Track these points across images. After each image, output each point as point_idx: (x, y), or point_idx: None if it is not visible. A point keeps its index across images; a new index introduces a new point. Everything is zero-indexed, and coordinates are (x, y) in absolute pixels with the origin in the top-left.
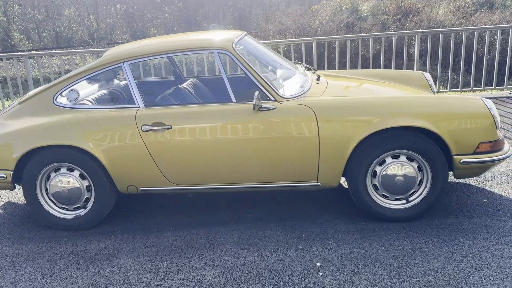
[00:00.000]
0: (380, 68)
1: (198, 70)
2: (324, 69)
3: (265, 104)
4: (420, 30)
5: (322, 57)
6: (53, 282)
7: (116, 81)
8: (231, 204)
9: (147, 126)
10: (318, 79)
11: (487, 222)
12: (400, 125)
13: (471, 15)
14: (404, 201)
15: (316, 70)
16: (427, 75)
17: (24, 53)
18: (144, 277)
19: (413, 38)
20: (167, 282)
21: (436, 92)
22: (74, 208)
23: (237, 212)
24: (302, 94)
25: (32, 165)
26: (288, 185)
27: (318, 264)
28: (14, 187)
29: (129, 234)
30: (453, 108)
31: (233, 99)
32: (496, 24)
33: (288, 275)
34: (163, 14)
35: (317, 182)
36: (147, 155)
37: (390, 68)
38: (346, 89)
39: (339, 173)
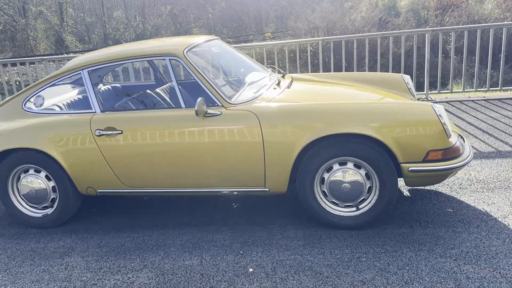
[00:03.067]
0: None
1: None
2: (330, 71)
3: (211, 110)
4: (430, 28)
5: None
6: (4, 277)
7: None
8: (194, 206)
9: (100, 131)
10: (278, 83)
11: (440, 233)
12: (342, 132)
13: None
14: (354, 209)
15: (285, 74)
16: (407, 78)
17: (44, 57)
18: (84, 276)
19: (450, 34)
20: (102, 282)
21: (416, 95)
22: (43, 207)
23: (196, 215)
24: (251, 99)
25: (3, 166)
26: (237, 190)
27: (250, 270)
28: None
29: (88, 234)
30: (398, 114)
31: (183, 105)
32: None
33: (217, 280)
34: (206, 15)
35: (265, 188)
36: (102, 159)
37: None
38: (302, 95)
39: (285, 179)
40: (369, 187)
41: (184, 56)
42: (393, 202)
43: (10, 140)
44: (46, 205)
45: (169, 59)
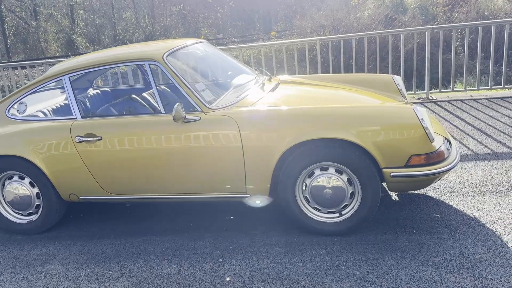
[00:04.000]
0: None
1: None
2: (334, 71)
3: (189, 116)
4: (431, 26)
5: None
6: None
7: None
8: (179, 212)
9: (80, 137)
10: (262, 87)
11: (425, 240)
12: (321, 137)
13: None
14: (337, 215)
15: (272, 77)
16: (397, 78)
17: (44, 60)
18: (62, 284)
19: (462, 31)
20: None
21: (406, 97)
22: (28, 213)
23: (180, 220)
24: (232, 104)
25: None
26: (219, 197)
27: (228, 279)
28: None
29: (72, 240)
30: (379, 118)
31: (162, 110)
32: None
33: None
34: (214, 14)
35: (246, 194)
36: (83, 166)
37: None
38: (285, 98)
39: (267, 185)
40: (352, 192)
41: (164, 60)
42: (376, 207)
43: None
44: (31, 211)
45: (149, 64)
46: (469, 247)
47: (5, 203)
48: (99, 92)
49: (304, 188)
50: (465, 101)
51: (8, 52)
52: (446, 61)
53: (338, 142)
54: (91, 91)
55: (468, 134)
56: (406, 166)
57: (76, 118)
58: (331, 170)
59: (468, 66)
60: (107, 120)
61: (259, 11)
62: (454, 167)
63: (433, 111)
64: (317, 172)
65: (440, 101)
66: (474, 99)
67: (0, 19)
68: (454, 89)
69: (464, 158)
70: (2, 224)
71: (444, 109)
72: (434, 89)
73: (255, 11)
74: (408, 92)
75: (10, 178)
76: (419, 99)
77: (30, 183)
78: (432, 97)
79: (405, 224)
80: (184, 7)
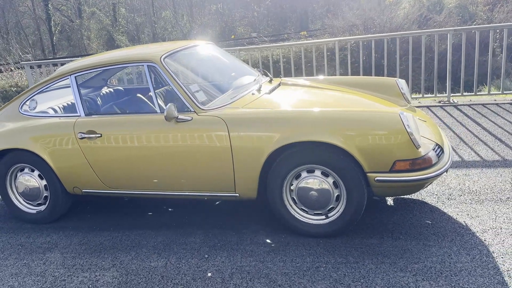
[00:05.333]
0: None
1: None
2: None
3: (182, 116)
4: (453, 28)
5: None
6: None
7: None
8: (177, 208)
9: (82, 134)
10: (259, 89)
11: (409, 246)
12: (307, 140)
13: None
14: (324, 217)
15: (272, 79)
16: (401, 82)
17: (60, 59)
18: (58, 271)
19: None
20: (70, 279)
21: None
22: (37, 204)
23: (176, 216)
24: (224, 105)
25: (1, 165)
26: (210, 195)
27: (209, 274)
28: None
29: (74, 231)
30: (364, 123)
31: (158, 110)
32: None
33: (174, 283)
34: (251, 13)
35: (235, 193)
36: (85, 161)
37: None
38: (279, 101)
39: (254, 185)
40: (338, 195)
41: (161, 62)
42: (361, 211)
43: (7, 141)
44: (40, 202)
45: (147, 65)
46: (452, 255)
47: (18, 193)
48: (108, 91)
49: (291, 189)
50: (486, 106)
51: (54, 49)
52: (470, 63)
53: (323, 145)
54: (90, 91)
55: (481, 140)
56: (391, 171)
57: (80, 116)
58: (317, 172)
59: (500, 69)
60: (107, 118)
61: (297, 10)
62: (441, 174)
63: (451, 115)
64: (304, 174)
65: (461, 105)
66: (497, 104)
67: (47, 17)
68: (477, 93)
69: (470, 165)
70: (15, 213)
71: (463, 113)
72: (457, 93)
73: (293, 9)
74: (429, 95)
75: (22, 170)
76: (439, 102)
77: (39, 175)
78: (454, 101)
79: (393, 229)
80: (221, 6)
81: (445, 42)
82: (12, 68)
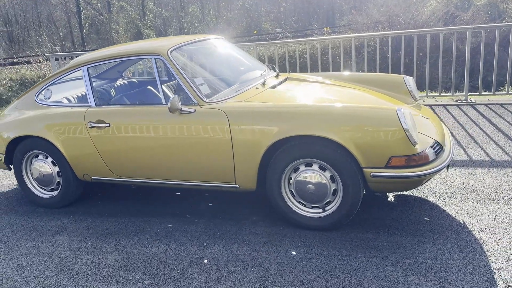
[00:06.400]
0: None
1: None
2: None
3: (185, 108)
4: (472, 26)
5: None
6: (1, 248)
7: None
8: (185, 197)
9: (91, 123)
10: (263, 83)
11: (404, 242)
12: (304, 134)
13: None
14: (321, 210)
15: (279, 74)
16: (408, 79)
17: (79, 52)
18: (64, 253)
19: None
20: (75, 260)
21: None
22: (50, 189)
23: (182, 205)
24: (227, 98)
25: (17, 151)
26: (211, 185)
27: (205, 261)
28: (10, 168)
29: (84, 216)
30: (361, 118)
31: (164, 102)
32: None
33: (171, 268)
34: (277, 8)
35: (235, 184)
36: (94, 149)
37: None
38: (281, 95)
39: (254, 177)
40: (334, 189)
41: (168, 55)
42: (357, 205)
43: (23, 128)
44: (53, 187)
45: (154, 58)
46: (445, 252)
47: (32, 179)
48: (120, 83)
49: (289, 183)
50: (504, 105)
51: (83, 42)
52: (499, 62)
53: (321, 139)
54: (102, 82)
55: (492, 140)
56: (387, 167)
57: (91, 106)
58: (315, 166)
59: None
60: (116, 108)
61: (324, 5)
62: (438, 171)
63: (466, 114)
64: (302, 167)
65: (478, 104)
66: None
67: (78, 11)
68: (496, 93)
69: (477, 164)
70: (30, 197)
71: (479, 112)
72: (480, 92)
73: (320, 5)
74: (447, 94)
75: (36, 156)
76: (457, 101)
77: (52, 162)
78: (471, 100)
79: (390, 225)
80: (249, 1)
81: (473, 40)
82: (41, 60)
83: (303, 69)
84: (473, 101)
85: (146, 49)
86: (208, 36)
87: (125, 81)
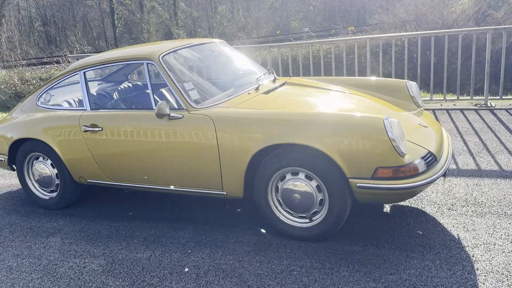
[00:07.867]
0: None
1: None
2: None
3: (173, 113)
4: (493, 27)
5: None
6: None
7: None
8: (176, 202)
9: (85, 127)
10: (256, 88)
11: (391, 256)
12: (289, 142)
13: None
14: (307, 220)
15: (276, 78)
16: (411, 85)
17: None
18: (53, 256)
19: None
20: (62, 263)
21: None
22: (50, 191)
23: (174, 211)
24: (216, 104)
25: (19, 153)
26: (199, 191)
27: (186, 269)
28: (14, 169)
29: (80, 219)
30: (346, 128)
31: (154, 107)
32: None
33: (151, 275)
34: (306, 7)
35: (223, 191)
36: (88, 152)
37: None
38: (274, 101)
39: (240, 184)
40: (321, 199)
41: (159, 60)
42: (344, 217)
43: (24, 131)
44: (52, 189)
45: (146, 63)
46: (432, 269)
47: (33, 180)
48: (117, 88)
49: (276, 191)
50: None
51: (116, 42)
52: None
53: (306, 148)
54: (98, 86)
55: (506, 148)
56: (373, 178)
57: (86, 110)
58: (301, 175)
59: None
60: (108, 112)
61: (355, 4)
62: (429, 183)
63: (483, 120)
64: (288, 176)
65: (497, 109)
66: None
67: (111, 11)
68: None
69: (485, 174)
70: (31, 198)
71: (498, 118)
72: (501, 96)
73: (352, 3)
74: (465, 98)
75: (37, 158)
76: (476, 105)
77: (51, 164)
78: (491, 104)
79: (380, 237)
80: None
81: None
82: (70, 60)
83: (327, 71)
84: (493, 105)
85: (139, 54)
86: (206, 40)
87: (122, 86)
